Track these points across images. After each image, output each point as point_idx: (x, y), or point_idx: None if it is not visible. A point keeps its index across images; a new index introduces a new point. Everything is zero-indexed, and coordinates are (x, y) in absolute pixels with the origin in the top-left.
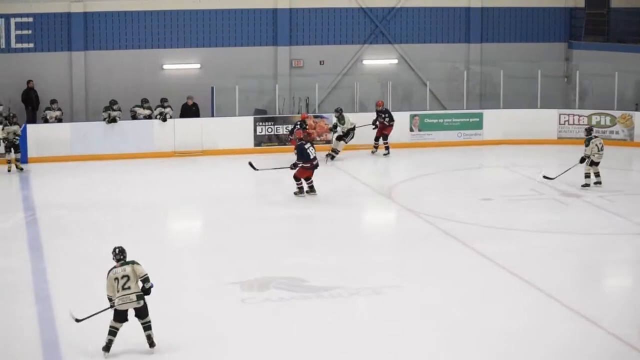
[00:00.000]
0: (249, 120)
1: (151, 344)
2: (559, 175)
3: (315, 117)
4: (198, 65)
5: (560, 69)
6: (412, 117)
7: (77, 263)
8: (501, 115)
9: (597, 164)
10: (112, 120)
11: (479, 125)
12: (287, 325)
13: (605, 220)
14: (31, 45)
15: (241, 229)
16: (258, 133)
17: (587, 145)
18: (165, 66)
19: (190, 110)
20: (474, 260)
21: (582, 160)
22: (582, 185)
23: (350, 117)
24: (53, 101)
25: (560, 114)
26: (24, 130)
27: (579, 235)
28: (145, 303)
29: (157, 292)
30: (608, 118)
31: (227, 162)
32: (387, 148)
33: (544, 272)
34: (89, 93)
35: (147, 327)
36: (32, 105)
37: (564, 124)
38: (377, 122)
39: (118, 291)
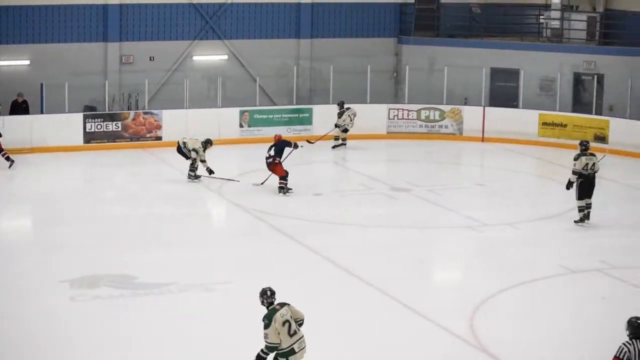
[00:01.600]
0: (79, 117)
1: None
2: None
3: (145, 113)
4: (27, 62)
5: (390, 64)
6: (242, 113)
7: None
8: (331, 110)
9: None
10: None
11: (308, 121)
12: (116, 323)
13: (435, 214)
14: None
15: (71, 226)
16: (88, 130)
17: (576, 159)
18: None
19: (20, 108)
20: (304, 254)
21: (569, 186)
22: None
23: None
24: None
25: (389, 109)
26: None
27: (410, 229)
28: None
29: None
30: (437, 112)
31: (57, 159)
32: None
33: (375, 266)
34: None
35: None
36: None
37: (393, 119)
38: None
39: (293, 334)
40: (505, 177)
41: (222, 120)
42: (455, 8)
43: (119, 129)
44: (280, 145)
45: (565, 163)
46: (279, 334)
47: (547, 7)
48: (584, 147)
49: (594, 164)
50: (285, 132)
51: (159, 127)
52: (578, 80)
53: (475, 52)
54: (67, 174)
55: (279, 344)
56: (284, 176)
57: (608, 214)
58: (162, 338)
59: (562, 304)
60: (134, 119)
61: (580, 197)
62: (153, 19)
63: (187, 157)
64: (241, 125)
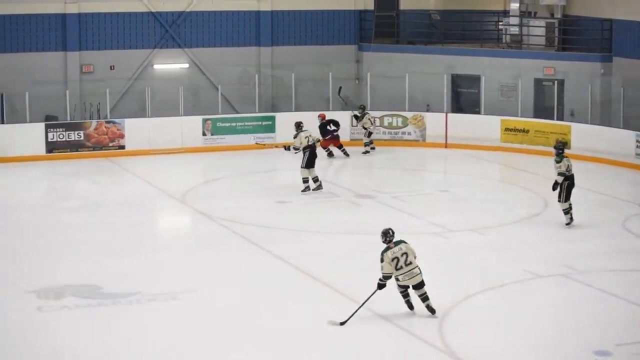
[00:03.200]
0: (40, 126)
1: (432, 310)
2: None
3: (107, 122)
4: None
5: (351, 71)
6: (205, 121)
7: None
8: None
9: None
10: None
11: (271, 129)
12: (85, 334)
13: (399, 221)
14: None
15: (34, 236)
16: (50, 139)
17: (558, 162)
18: None
19: None
20: (268, 262)
21: (555, 187)
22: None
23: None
24: None
25: (352, 116)
26: None
27: (375, 235)
28: None
29: None
30: (400, 119)
31: (19, 169)
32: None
33: (339, 273)
34: None
35: (425, 298)
36: None
37: (357, 126)
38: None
39: (401, 268)
40: (468, 182)
41: (185, 128)
42: (414, 15)
43: (82, 138)
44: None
45: (528, 168)
46: (392, 267)
47: (505, 13)
48: (560, 150)
49: (570, 165)
50: (250, 139)
51: (122, 136)
52: (538, 86)
53: (436, 58)
54: (29, 184)
55: (392, 273)
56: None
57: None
58: (134, 348)
59: (528, 309)
60: (96, 128)
61: (566, 198)
62: (112, 27)
63: None
64: (204, 134)
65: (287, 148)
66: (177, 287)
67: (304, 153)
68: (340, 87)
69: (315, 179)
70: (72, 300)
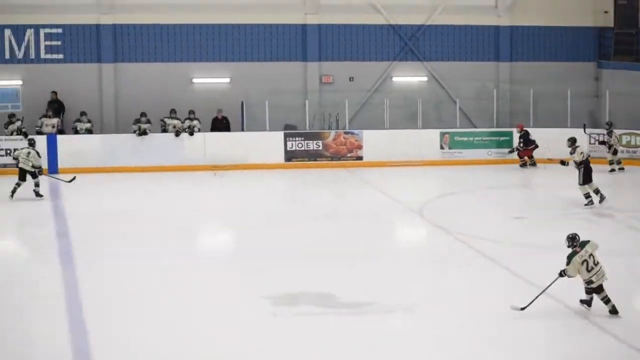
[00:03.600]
0: (280, 135)
1: (614, 312)
2: None
3: (346, 133)
4: (228, 80)
5: (589, 88)
6: (442, 134)
7: (108, 272)
8: (532, 135)
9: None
10: (143, 132)
11: (509, 144)
12: (317, 341)
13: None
14: (60, 56)
15: (270, 243)
16: (288, 148)
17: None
18: (194, 80)
19: (220, 124)
20: (507, 279)
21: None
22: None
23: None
24: (83, 113)
25: (590, 134)
26: (54, 141)
27: (607, 255)
28: None
29: (192, 305)
30: (638, 138)
31: (258, 176)
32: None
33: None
34: (118, 105)
35: (607, 300)
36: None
37: (594, 144)
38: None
39: (592, 269)
40: None
41: (423, 141)
42: None
43: (320, 148)
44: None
45: None
46: (577, 270)
47: None
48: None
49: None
50: (485, 155)
51: (360, 147)
52: None
53: None
54: (268, 192)
55: (575, 276)
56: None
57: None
58: (368, 357)
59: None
60: (334, 139)
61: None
62: (352, 39)
63: None
64: (442, 147)
65: (563, 163)
66: (412, 299)
67: (579, 169)
68: (585, 124)
69: (596, 191)
70: (306, 308)
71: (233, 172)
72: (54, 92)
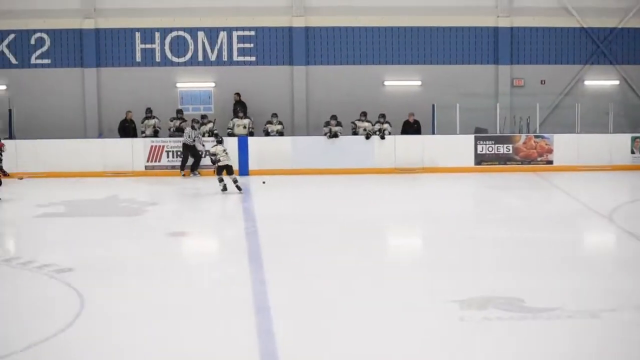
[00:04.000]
0: (470, 138)
1: None
2: None
3: (536, 137)
4: (419, 82)
5: None
6: (634, 139)
7: (296, 275)
8: None
9: None
10: (334, 135)
11: None
12: (504, 345)
13: None
14: (253, 58)
15: (459, 246)
16: (479, 152)
17: None
18: (386, 82)
19: (411, 127)
20: None
21: None
22: None
23: None
24: (274, 115)
25: None
26: (245, 142)
27: None
28: None
29: (377, 306)
30: None
31: (447, 180)
32: None
33: None
34: (309, 107)
35: None
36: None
37: None
38: None
39: None
40: None
41: (614, 146)
42: None
43: (510, 152)
44: None
45: None
46: None
47: None
48: None
49: None
50: None
51: (550, 151)
52: None
53: None
54: (458, 195)
55: None
56: None
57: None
58: None
59: None
60: (525, 142)
61: None
62: (543, 42)
63: None
64: (632, 152)
65: None
66: (598, 305)
67: None
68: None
69: None
70: (494, 313)
71: (422, 175)
72: (237, 94)
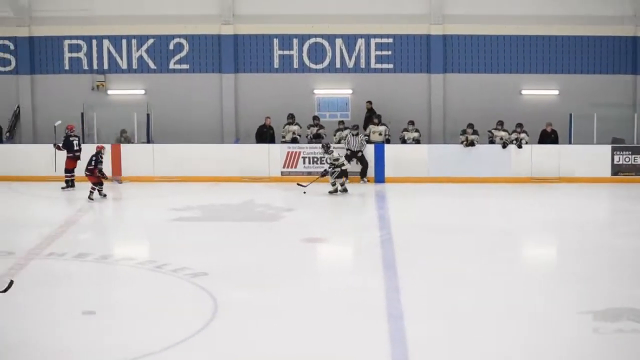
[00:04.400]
0: (607, 148)
1: None
2: None
3: None
4: (556, 92)
5: None
6: None
7: (431, 284)
8: None
9: None
10: (470, 143)
11: None
12: (637, 358)
13: None
14: (390, 66)
15: (594, 256)
16: (615, 162)
17: None
18: (523, 91)
19: (548, 137)
20: None
21: None
22: None
23: None
24: (410, 122)
25: None
26: (381, 150)
27: None
28: None
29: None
30: None
31: (584, 189)
32: None
33: None
34: (446, 115)
35: None
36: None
37: None
38: None
39: None
40: None
41: None
42: None
43: None
44: None
45: None
46: None
47: None
48: None
49: None
50: None
51: None
52: None
53: None
54: (593, 204)
55: None
56: None
57: None
58: None
59: None
60: None
61: None
62: None
63: None
64: None
65: None
66: None
67: None
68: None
69: None
70: (630, 325)
71: (558, 184)
72: (369, 102)
